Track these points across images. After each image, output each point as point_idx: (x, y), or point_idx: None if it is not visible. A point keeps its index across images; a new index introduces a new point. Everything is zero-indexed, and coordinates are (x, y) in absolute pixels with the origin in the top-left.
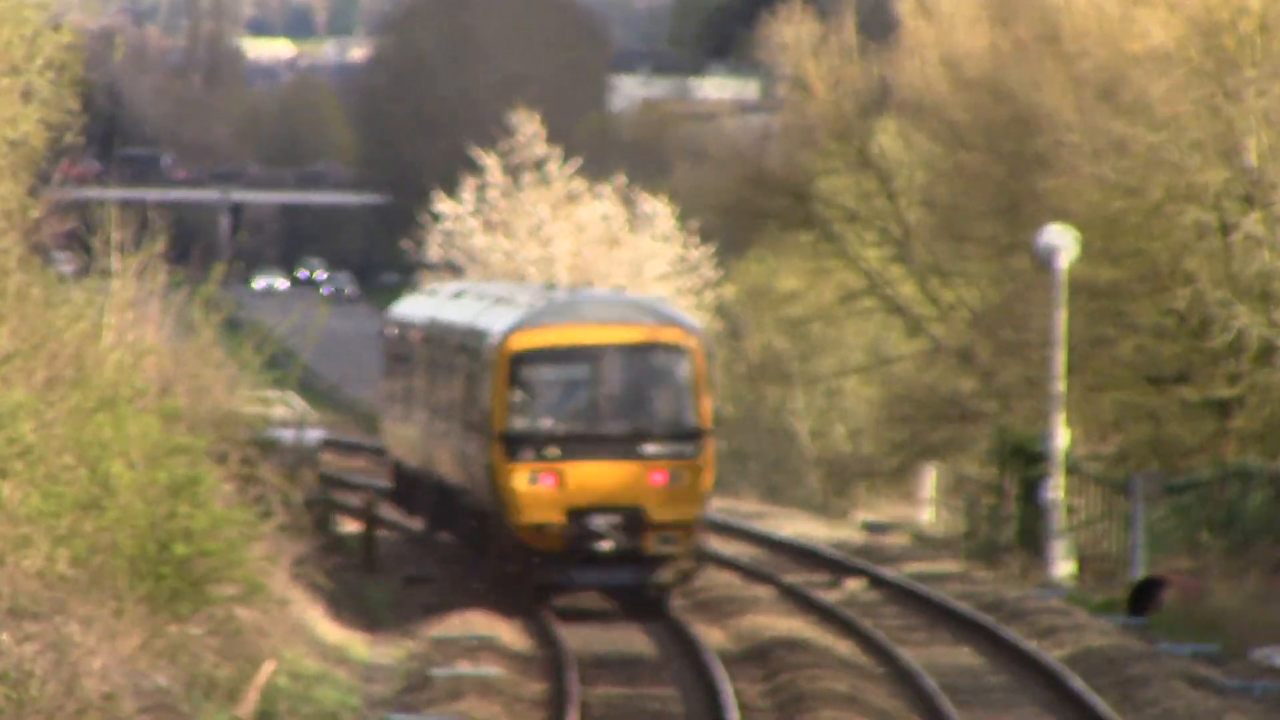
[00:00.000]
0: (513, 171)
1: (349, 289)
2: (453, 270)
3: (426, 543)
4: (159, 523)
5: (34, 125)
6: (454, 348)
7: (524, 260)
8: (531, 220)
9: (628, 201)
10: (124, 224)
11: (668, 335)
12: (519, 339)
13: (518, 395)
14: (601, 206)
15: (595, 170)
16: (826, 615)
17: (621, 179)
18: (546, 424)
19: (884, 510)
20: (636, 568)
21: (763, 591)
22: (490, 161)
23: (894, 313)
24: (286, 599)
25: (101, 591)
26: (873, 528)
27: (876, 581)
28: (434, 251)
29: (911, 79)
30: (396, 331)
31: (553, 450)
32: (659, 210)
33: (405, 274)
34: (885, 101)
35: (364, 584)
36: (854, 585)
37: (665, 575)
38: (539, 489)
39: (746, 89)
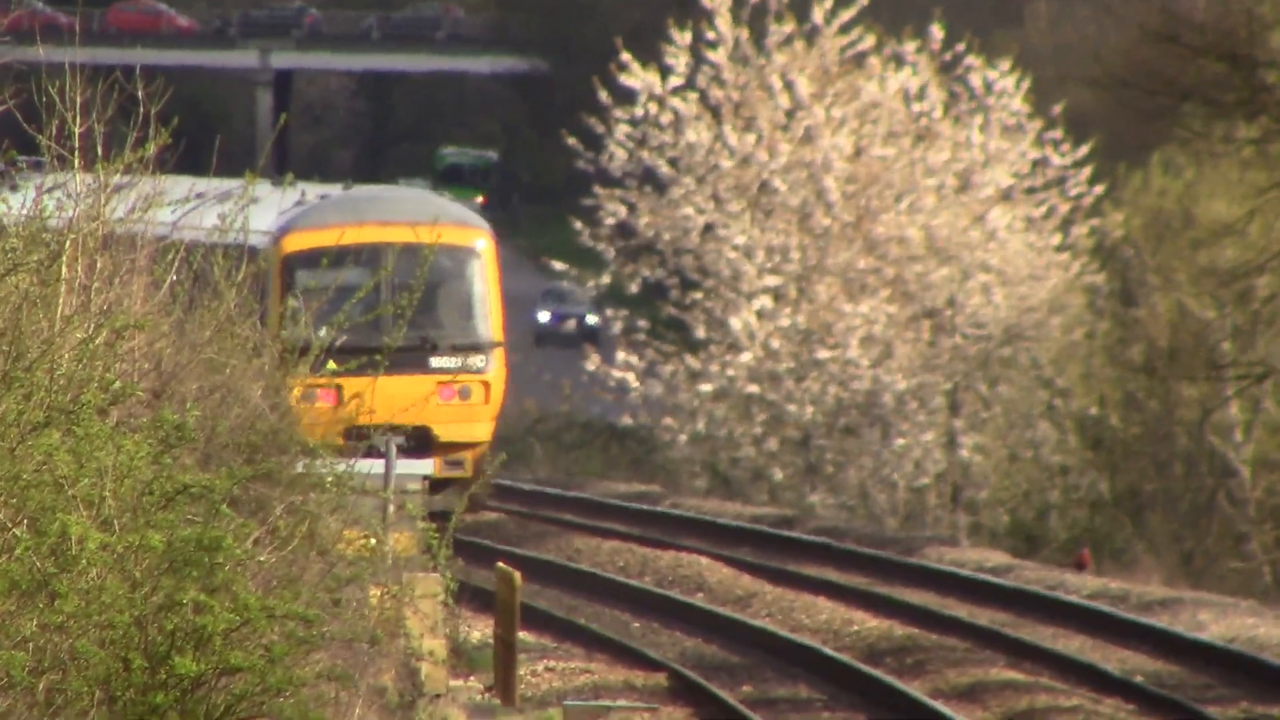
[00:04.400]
0: (751, 21)
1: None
2: (649, 184)
3: None
4: (149, 618)
5: None
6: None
7: (769, 168)
8: (783, 102)
9: (947, 70)
10: (93, 109)
11: (455, 236)
12: (293, 240)
13: (289, 303)
14: (902, 78)
15: (892, 17)
16: None
17: (937, 32)
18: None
19: None
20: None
21: None
22: (715, 2)
23: None
24: None
25: None
26: None
27: None
28: (617, 154)
29: None
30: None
31: (329, 364)
32: (1000, 85)
33: (572, 190)
34: None
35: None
36: None
37: (453, 501)
38: (314, 407)
39: None
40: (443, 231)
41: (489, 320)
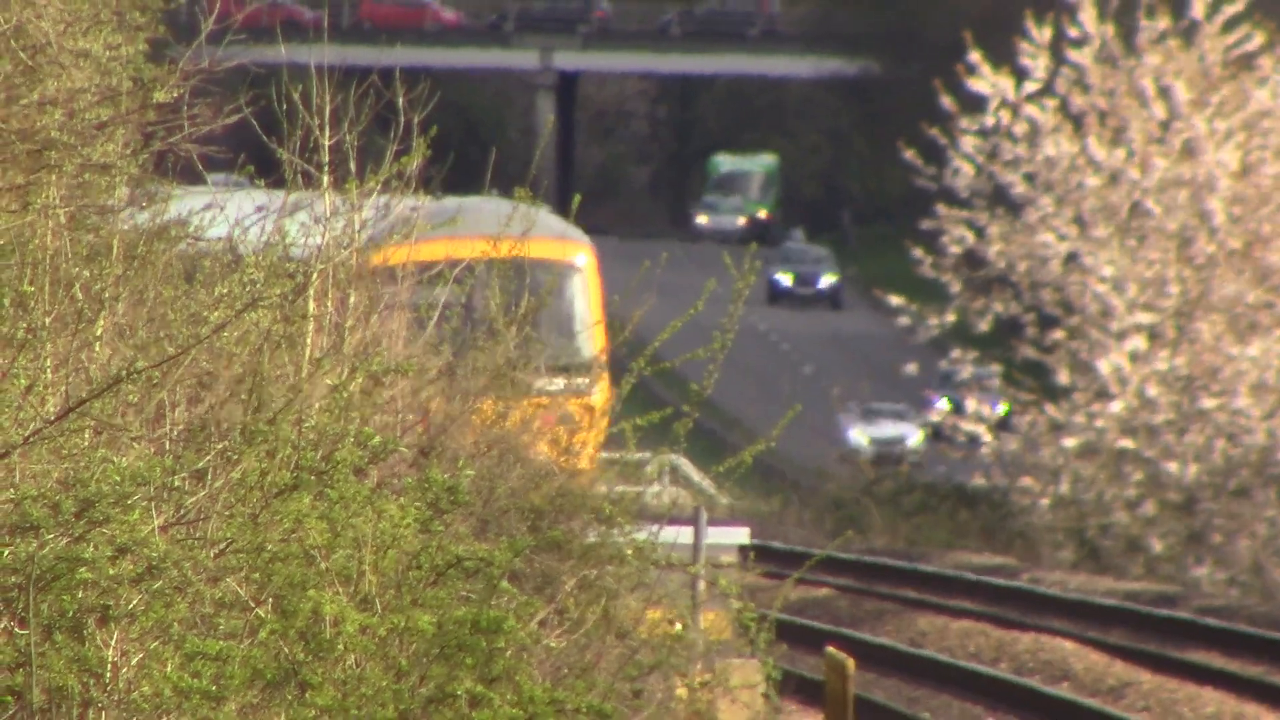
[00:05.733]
0: (1120, 17)
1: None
2: (1001, 205)
3: None
4: (418, 713)
5: None
6: None
7: (1141, 186)
8: (1158, 111)
9: None
10: (344, 117)
11: (551, 250)
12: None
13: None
14: None
15: None
16: None
17: None
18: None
19: None
20: None
21: None
22: None
23: None
24: None
25: None
26: None
27: None
28: (963, 169)
29: None
30: None
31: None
32: None
33: (910, 211)
34: None
35: None
36: None
37: None
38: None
39: None
40: (536, 245)
41: (589, 340)
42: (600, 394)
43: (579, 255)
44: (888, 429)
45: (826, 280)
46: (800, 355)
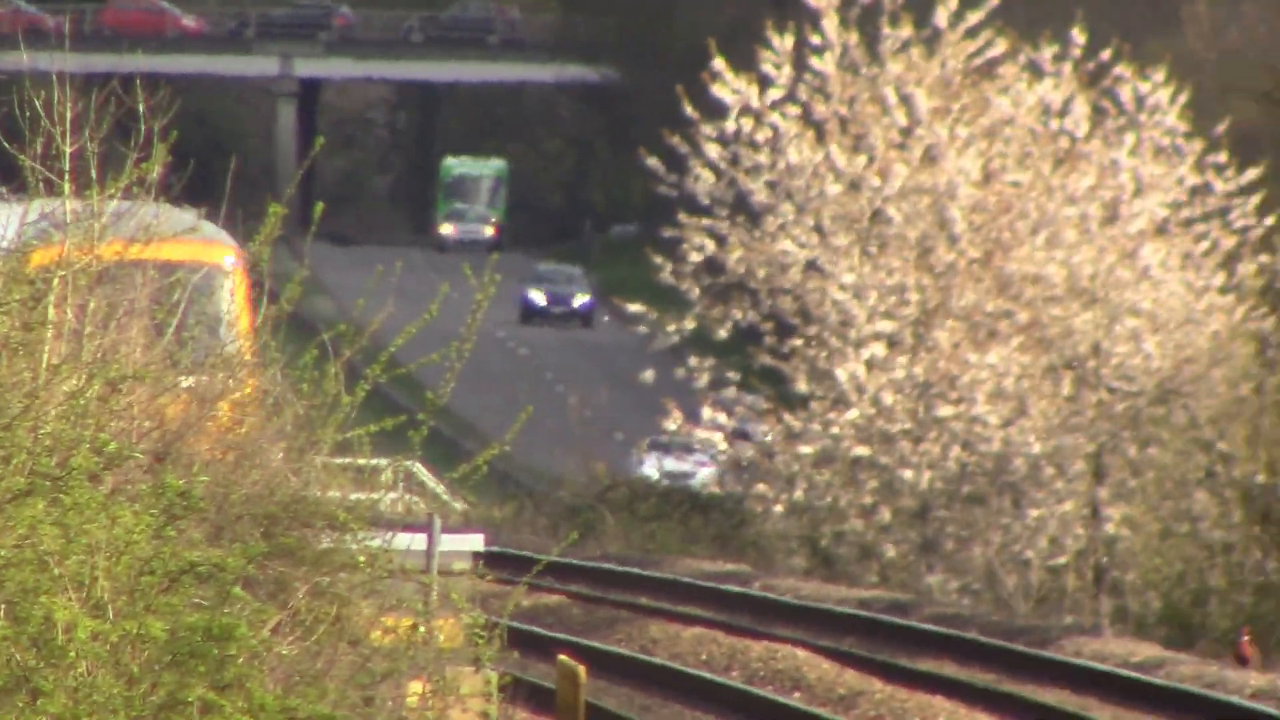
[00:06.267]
0: (863, 24)
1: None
2: (742, 212)
3: None
4: None
5: None
6: None
7: (882, 194)
8: (899, 118)
9: (1092, 81)
10: (86, 124)
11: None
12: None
13: None
14: (1039, 91)
15: (1028, 20)
16: None
17: (1079, 37)
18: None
19: None
20: None
21: None
22: (820, 1)
23: None
24: None
25: None
26: None
27: None
28: (704, 176)
29: None
30: None
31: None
32: (1154, 99)
33: (651, 219)
34: None
35: None
36: None
37: None
38: None
39: None
40: (182, 248)
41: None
42: (246, 390)
43: (227, 257)
44: (679, 464)
45: (579, 299)
46: (541, 362)
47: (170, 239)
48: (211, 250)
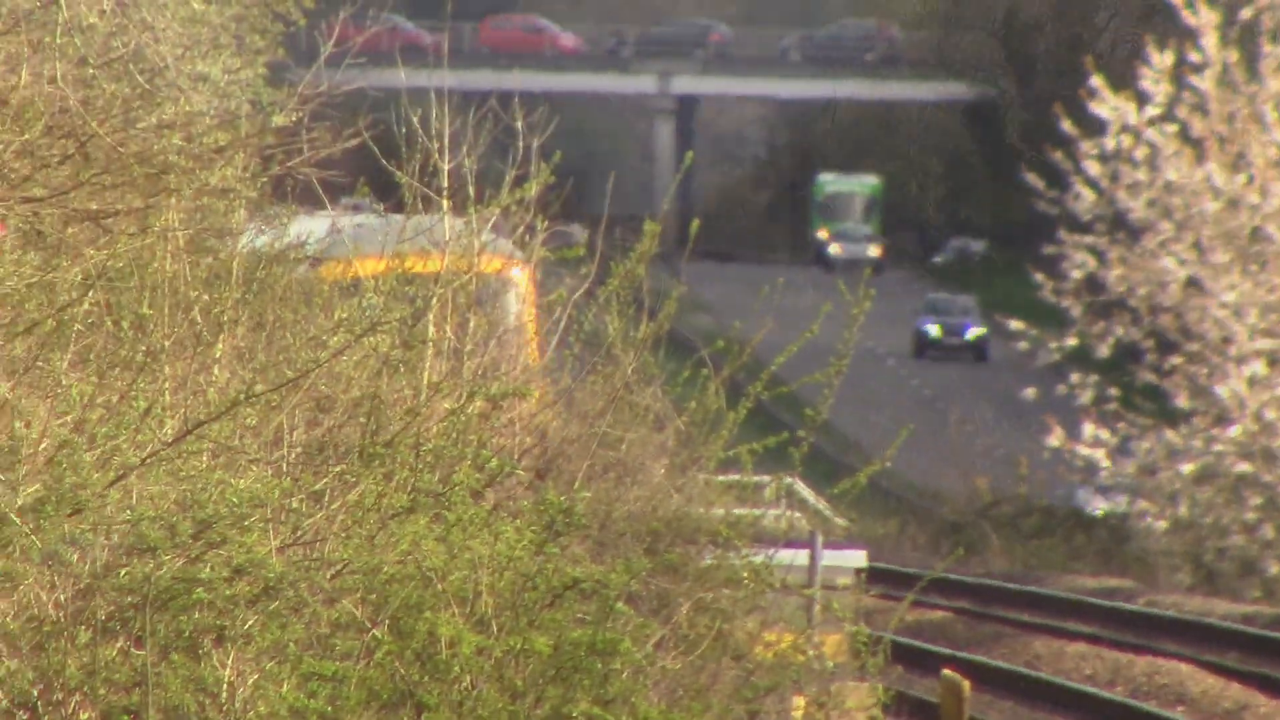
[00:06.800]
0: (1243, 42)
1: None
2: (1121, 229)
3: None
4: None
5: None
6: None
7: (1261, 212)
8: (1277, 135)
9: None
10: (464, 142)
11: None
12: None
13: None
14: None
15: None
16: None
17: None
18: None
19: None
20: None
21: None
22: (1199, 17)
23: None
24: None
25: None
26: None
27: None
28: (1085, 194)
29: None
30: None
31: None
32: None
33: (1032, 236)
34: None
35: None
36: None
37: None
38: None
39: None
40: (489, 262)
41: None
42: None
43: (517, 269)
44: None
45: (975, 333)
46: (934, 394)
47: (482, 254)
48: (510, 263)
